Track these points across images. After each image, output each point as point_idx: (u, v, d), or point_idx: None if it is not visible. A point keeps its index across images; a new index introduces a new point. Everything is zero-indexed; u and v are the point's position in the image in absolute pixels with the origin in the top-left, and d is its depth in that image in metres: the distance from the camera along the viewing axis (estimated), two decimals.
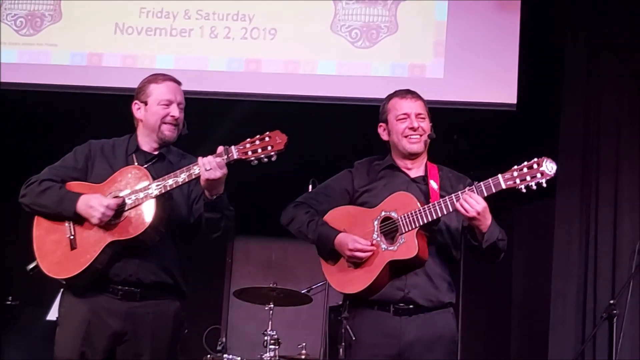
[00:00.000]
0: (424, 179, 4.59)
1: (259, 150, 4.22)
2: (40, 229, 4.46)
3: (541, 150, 7.27)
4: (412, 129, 4.56)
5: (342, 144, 7.71)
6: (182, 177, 4.30)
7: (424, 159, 4.67)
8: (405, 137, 4.57)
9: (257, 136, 4.25)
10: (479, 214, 4.25)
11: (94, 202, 4.33)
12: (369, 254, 4.40)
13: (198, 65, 7.55)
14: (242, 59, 7.56)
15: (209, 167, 4.21)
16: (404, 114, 4.58)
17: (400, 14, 7.48)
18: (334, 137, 7.70)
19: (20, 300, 7.95)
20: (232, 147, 4.25)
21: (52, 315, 7.27)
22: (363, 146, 7.76)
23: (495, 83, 7.31)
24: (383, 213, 4.45)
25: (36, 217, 4.48)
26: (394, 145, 4.64)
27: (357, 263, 4.44)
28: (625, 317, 6.03)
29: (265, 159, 4.23)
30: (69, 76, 7.58)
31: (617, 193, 6.99)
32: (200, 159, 4.26)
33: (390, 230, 4.41)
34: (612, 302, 6.12)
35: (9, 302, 7.94)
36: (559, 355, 6.92)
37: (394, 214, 4.41)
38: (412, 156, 4.60)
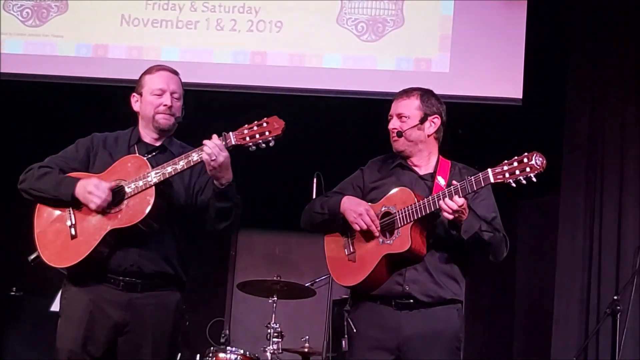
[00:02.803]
0: (432, 175, 4.63)
1: (257, 136, 4.20)
2: (41, 218, 4.47)
3: (546, 145, 7.31)
4: (390, 130, 4.67)
5: (347, 138, 7.72)
6: (180, 164, 4.30)
7: (431, 155, 4.70)
8: (391, 137, 4.68)
9: (255, 122, 4.23)
10: (463, 211, 4.29)
11: (92, 187, 4.32)
12: (368, 220, 4.44)
13: (203, 58, 7.55)
14: (248, 51, 7.55)
15: (211, 152, 4.20)
16: (390, 115, 4.70)
17: (407, 7, 7.47)
18: (339, 131, 7.70)
19: (24, 291, 7.96)
20: (230, 133, 4.25)
21: (56, 306, 7.26)
22: (368, 139, 7.77)
23: (501, 78, 7.30)
24: (383, 208, 4.51)
25: (37, 207, 4.49)
26: None
27: (357, 257, 4.52)
28: (628, 313, 6.04)
29: (263, 145, 4.21)
30: (75, 67, 7.58)
31: (622, 189, 6.99)
32: (204, 146, 4.25)
33: (388, 224, 4.46)
34: (615, 298, 6.12)
35: (12, 293, 7.95)
36: (562, 351, 6.92)
37: (392, 209, 4.47)
38: (400, 154, 4.68)
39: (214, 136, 4.26)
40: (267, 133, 4.20)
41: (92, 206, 4.31)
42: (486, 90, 7.29)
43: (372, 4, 7.50)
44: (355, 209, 4.51)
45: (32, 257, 4.46)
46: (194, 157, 4.28)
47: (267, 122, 4.22)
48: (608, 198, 7.03)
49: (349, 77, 7.47)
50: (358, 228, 4.48)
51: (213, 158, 4.20)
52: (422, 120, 4.63)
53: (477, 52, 7.36)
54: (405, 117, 4.63)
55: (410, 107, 4.64)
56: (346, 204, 4.57)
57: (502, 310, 8.04)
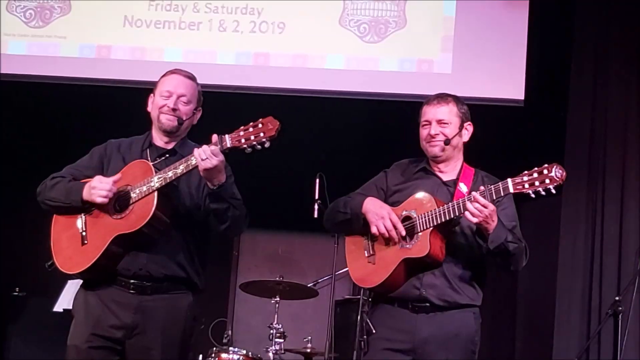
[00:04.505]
0: (455, 182, 4.62)
1: (252, 138, 4.18)
2: (58, 225, 4.51)
3: (548, 146, 7.33)
4: (430, 135, 4.60)
5: (350, 138, 7.73)
6: (180, 168, 4.30)
7: (457, 162, 4.70)
8: (427, 142, 4.62)
9: (251, 123, 4.22)
10: (486, 217, 4.27)
11: (95, 183, 4.36)
12: (390, 224, 4.44)
13: (206, 59, 7.56)
14: (251, 52, 7.57)
15: (204, 156, 4.21)
16: (426, 120, 4.63)
17: (409, 9, 7.48)
18: (341, 132, 7.70)
19: (27, 292, 7.99)
20: (226, 135, 4.24)
21: (59, 307, 7.29)
22: (371, 140, 7.79)
23: (503, 79, 7.31)
24: (404, 212, 4.50)
25: (54, 216, 4.53)
26: (423, 150, 4.71)
27: (376, 259, 4.53)
28: (630, 314, 6.04)
29: (259, 147, 4.19)
30: (78, 68, 7.60)
31: (624, 189, 6.99)
32: (195, 150, 4.26)
33: (408, 228, 4.45)
34: (617, 298, 6.12)
35: (15, 294, 7.97)
36: (564, 352, 6.92)
37: (413, 213, 4.46)
38: (436, 159, 4.65)
39: (214, 136, 4.27)
40: (261, 134, 4.17)
41: (98, 200, 4.34)
42: (488, 91, 7.29)
43: (375, 4, 7.51)
44: (378, 212, 4.50)
45: (49, 263, 4.50)
46: (192, 160, 4.27)
47: (262, 123, 4.19)
48: (610, 199, 7.04)
49: (351, 78, 7.48)
50: (376, 230, 4.48)
51: (204, 158, 4.21)
52: (461, 127, 4.63)
53: (479, 53, 7.36)
54: (446, 123, 4.59)
55: (451, 114, 4.62)
56: (369, 205, 4.55)
57: (504, 310, 8.03)
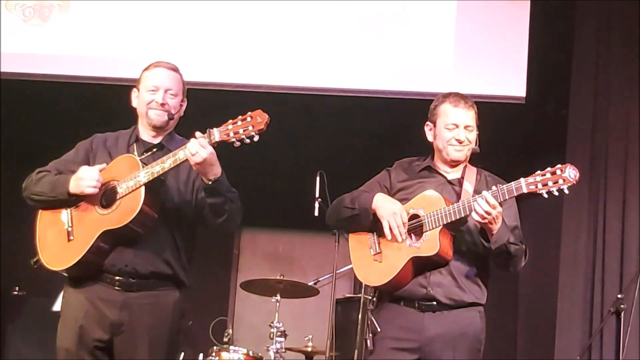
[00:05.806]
0: (460, 181, 4.61)
1: (240, 131, 4.14)
2: (43, 221, 4.49)
3: (549, 144, 7.31)
4: (459, 141, 4.56)
5: (350, 136, 7.71)
6: (168, 162, 4.27)
7: (464, 162, 4.67)
8: (452, 146, 4.57)
9: (239, 117, 4.18)
10: (493, 218, 4.26)
11: (82, 174, 4.33)
12: (400, 221, 4.42)
13: (206, 57, 7.52)
14: (250, 50, 7.53)
15: (194, 151, 4.17)
16: (454, 124, 4.56)
17: (410, 6, 7.45)
18: (341, 129, 7.69)
19: (27, 291, 7.98)
20: (214, 129, 4.21)
21: (58, 306, 7.28)
22: (371, 138, 7.77)
23: (504, 76, 7.28)
24: (411, 210, 4.48)
25: (40, 211, 4.50)
26: (438, 149, 4.65)
27: (383, 257, 4.50)
28: (632, 312, 6.03)
29: (247, 140, 4.14)
30: (77, 67, 7.58)
31: (626, 186, 6.98)
32: (187, 146, 4.21)
33: (416, 227, 4.44)
34: (619, 296, 6.12)
35: (15, 293, 7.97)
36: (566, 350, 6.91)
37: (421, 212, 4.45)
38: (454, 163, 4.62)
39: (197, 133, 4.24)
40: (250, 128, 4.13)
41: (88, 191, 4.31)
42: (489, 88, 7.26)
43: (374, 3, 7.48)
44: (390, 208, 4.47)
45: (34, 259, 4.48)
46: (180, 155, 4.24)
47: (250, 117, 4.15)
48: (611, 196, 7.02)
49: (351, 75, 7.45)
50: (387, 226, 4.44)
51: (194, 153, 4.18)
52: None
53: (480, 51, 7.34)
54: (472, 129, 4.57)
55: (474, 119, 4.58)
56: (380, 200, 4.52)
57: (506, 309, 8.02)
